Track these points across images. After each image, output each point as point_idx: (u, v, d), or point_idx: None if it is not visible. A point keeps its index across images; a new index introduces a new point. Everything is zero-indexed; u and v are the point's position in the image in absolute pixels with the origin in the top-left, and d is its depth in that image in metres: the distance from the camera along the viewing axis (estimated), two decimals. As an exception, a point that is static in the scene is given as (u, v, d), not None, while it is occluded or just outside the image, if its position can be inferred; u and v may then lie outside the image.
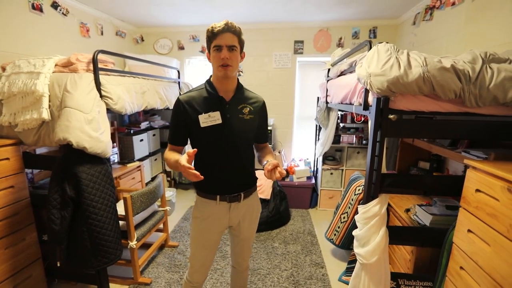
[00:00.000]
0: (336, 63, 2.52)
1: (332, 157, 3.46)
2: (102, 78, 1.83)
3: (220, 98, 1.25)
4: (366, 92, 1.50)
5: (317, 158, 3.71)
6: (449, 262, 1.30)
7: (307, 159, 3.79)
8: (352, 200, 2.21)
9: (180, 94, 2.80)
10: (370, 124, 1.38)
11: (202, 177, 1.02)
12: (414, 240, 1.46)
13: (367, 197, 1.41)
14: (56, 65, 1.78)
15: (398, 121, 1.27)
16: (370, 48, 1.46)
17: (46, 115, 1.64)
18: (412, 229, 1.56)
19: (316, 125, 3.60)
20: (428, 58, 1.23)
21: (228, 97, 1.27)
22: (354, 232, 1.50)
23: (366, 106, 1.51)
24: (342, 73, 2.14)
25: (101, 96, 1.80)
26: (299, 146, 4.01)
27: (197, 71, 3.97)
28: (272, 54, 3.65)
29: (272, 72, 3.72)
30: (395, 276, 1.54)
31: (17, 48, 2.18)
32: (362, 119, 1.83)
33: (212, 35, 1.16)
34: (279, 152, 3.70)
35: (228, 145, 1.26)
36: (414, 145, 2.17)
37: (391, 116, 1.27)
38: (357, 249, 1.47)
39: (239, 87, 1.32)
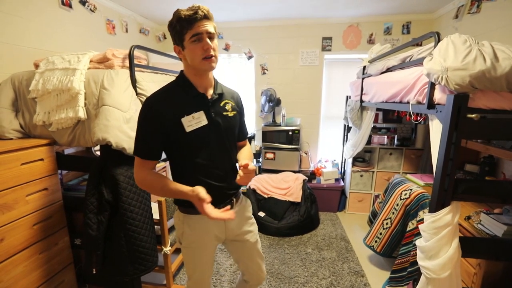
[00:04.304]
0: (375, 59, 2.38)
1: (362, 159, 3.31)
2: (137, 75, 1.73)
3: (202, 95, 1.09)
4: (432, 88, 1.36)
5: (345, 160, 3.57)
6: (535, 280, 1.16)
7: (334, 160, 3.65)
8: (397, 205, 2.07)
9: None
10: (443, 124, 1.23)
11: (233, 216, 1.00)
12: (488, 252, 1.32)
13: (437, 205, 1.27)
14: (91, 61, 1.70)
15: (481, 121, 1.13)
16: (438, 40, 1.32)
17: (82, 113, 1.56)
18: (487, 240, 1.41)
19: (345, 125, 3.46)
20: (518, 50, 1.09)
21: (209, 94, 1.12)
22: (418, 243, 1.36)
23: (431, 104, 1.37)
24: (388, 70, 2.00)
25: (136, 93, 1.71)
26: (325, 147, 3.86)
27: (220, 69, 3.85)
28: (299, 51, 3.51)
29: (298, 70, 3.58)
30: (464, 292, 1.40)
31: (46, 44, 2.11)
32: (419, 118, 1.68)
33: (186, 24, 0.97)
34: (306, 153, 3.57)
35: (217, 148, 1.13)
36: (462, 147, 2.00)
37: (473, 116, 1.12)
38: (423, 262, 1.33)
39: (216, 82, 1.18)
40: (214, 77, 1.17)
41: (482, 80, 1.08)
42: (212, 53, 1.01)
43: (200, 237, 1.18)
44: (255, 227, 1.35)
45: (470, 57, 1.11)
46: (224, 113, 1.15)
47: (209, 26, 1.00)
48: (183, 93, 1.08)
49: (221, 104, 1.15)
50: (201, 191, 0.98)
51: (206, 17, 0.99)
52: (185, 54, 1.04)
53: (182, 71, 1.12)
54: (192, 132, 1.05)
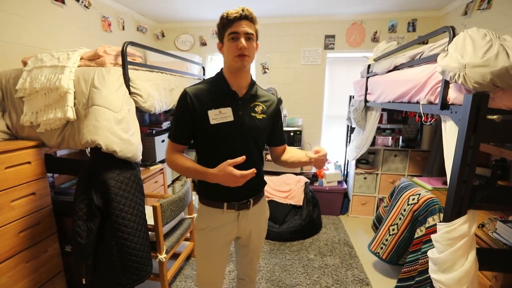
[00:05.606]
0: (381, 57, 2.28)
1: (365, 160, 3.21)
2: (131, 73, 1.64)
3: (233, 92, 1.14)
4: (446, 87, 1.26)
5: (348, 161, 3.47)
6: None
7: (337, 161, 3.55)
8: (405, 210, 1.97)
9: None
10: (459, 127, 1.14)
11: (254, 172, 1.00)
12: (507, 265, 1.22)
13: (452, 214, 1.17)
14: (81, 58, 1.60)
15: (504, 123, 1.03)
16: (453, 35, 1.22)
17: (71, 114, 1.47)
18: (505, 252, 1.31)
19: (348, 126, 3.36)
20: (544, 45, 0.99)
21: (241, 93, 1.16)
22: (431, 254, 1.26)
23: (445, 104, 1.27)
24: (396, 68, 1.89)
25: (130, 93, 1.62)
26: (328, 148, 3.76)
27: (220, 67, 3.76)
28: (301, 49, 3.42)
29: (300, 69, 3.48)
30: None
31: (38, 42, 2.02)
32: (430, 119, 1.58)
33: (227, 22, 1.04)
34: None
35: (238, 146, 1.15)
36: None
37: (494, 117, 1.02)
38: (435, 275, 1.23)
39: (253, 83, 1.21)
40: (252, 79, 1.21)
41: (505, 77, 0.99)
42: (245, 52, 1.04)
43: (212, 224, 1.21)
44: (263, 234, 1.37)
45: (491, 52, 1.01)
46: (252, 114, 1.17)
47: (248, 28, 1.04)
48: (217, 88, 1.15)
49: (251, 105, 1.18)
50: (231, 169, 1.00)
51: (247, 18, 1.04)
52: (224, 51, 1.11)
53: (222, 68, 1.20)
54: (216, 125, 1.10)
